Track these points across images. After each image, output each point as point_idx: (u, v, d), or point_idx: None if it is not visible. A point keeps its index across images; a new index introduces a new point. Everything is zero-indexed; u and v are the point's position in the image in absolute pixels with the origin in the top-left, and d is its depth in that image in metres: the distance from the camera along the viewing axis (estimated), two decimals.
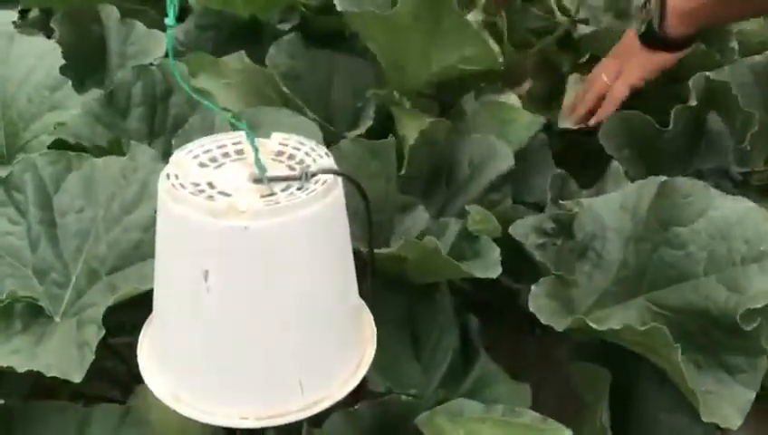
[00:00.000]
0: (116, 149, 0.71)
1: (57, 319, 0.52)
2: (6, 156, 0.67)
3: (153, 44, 0.97)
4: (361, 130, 0.76)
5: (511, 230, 0.62)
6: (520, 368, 0.64)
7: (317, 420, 0.50)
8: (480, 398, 0.55)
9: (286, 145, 0.41)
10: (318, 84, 0.89)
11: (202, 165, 0.39)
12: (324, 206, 0.37)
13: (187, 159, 0.40)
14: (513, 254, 0.60)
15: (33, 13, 1.13)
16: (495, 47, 0.88)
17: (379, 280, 0.59)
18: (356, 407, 0.51)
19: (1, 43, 0.71)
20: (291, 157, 0.40)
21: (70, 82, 0.66)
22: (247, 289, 0.36)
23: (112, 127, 0.79)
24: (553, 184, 0.73)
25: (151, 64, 0.89)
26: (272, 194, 0.37)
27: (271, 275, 0.36)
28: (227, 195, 0.37)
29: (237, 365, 0.38)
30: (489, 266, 0.54)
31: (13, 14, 1.06)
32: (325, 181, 0.38)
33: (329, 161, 0.40)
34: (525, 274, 0.63)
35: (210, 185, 0.37)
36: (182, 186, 0.36)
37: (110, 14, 0.99)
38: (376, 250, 0.50)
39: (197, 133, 0.73)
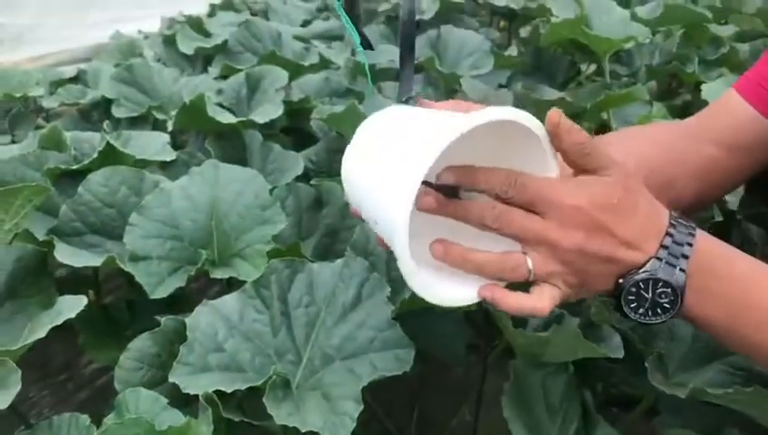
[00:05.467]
0: (296, 249, 0.90)
1: (293, 391, 0.70)
2: (218, 261, 0.87)
3: (288, 163, 1.18)
4: None
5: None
6: None
7: None
8: None
9: None
10: None
11: None
12: None
13: None
14: None
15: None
16: None
17: (524, 360, 0.79)
18: None
19: (210, 170, 0.91)
20: None
21: (278, 203, 0.86)
22: None
23: None
24: None
25: (297, 180, 1.10)
26: None
27: None
28: None
29: None
30: (615, 349, 0.73)
31: (165, 136, 1.28)
32: None
33: None
34: None
35: None
36: None
37: (253, 137, 1.21)
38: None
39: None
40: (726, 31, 1.89)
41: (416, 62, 1.65)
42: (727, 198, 0.98)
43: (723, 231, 0.95)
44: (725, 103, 0.84)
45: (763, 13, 2.02)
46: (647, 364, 0.75)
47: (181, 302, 0.92)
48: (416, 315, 0.81)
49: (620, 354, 0.73)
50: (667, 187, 0.79)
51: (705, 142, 0.82)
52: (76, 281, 1.05)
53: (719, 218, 0.93)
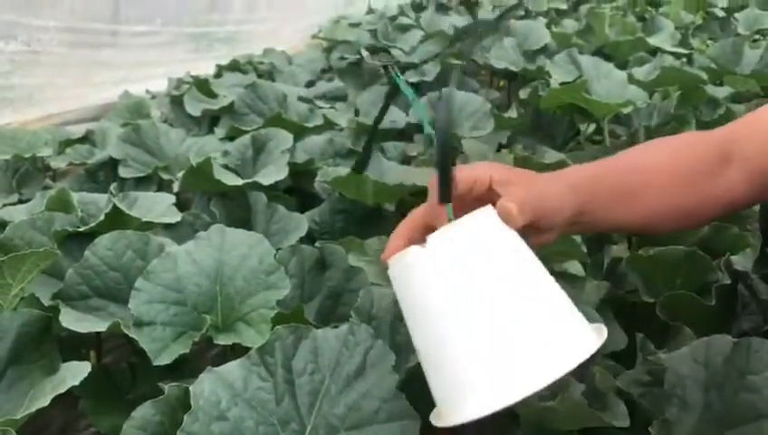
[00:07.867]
0: (299, 314, 0.90)
1: None
2: (222, 326, 0.87)
3: (293, 224, 1.19)
4: None
5: (619, 383, 0.80)
6: None
7: None
8: None
9: None
10: None
11: None
12: None
13: None
14: None
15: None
16: None
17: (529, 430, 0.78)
18: None
19: (216, 234, 0.92)
20: None
21: (283, 269, 0.87)
22: None
23: None
24: (643, 345, 0.92)
25: (301, 241, 1.11)
26: None
27: None
28: None
29: None
30: (621, 417, 0.72)
31: (171, 197, 1.29)
32: None
33: None
34: None
35: None
36: None
37: (258, 198, 1.22)
38: None
39: None
40: (722, 92, 1.93)
41: (417, 122, 1.69)
42: (733, 258, 0.98)
43: (729, 293, 0.95)
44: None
45: (757, 74, 2.07)
46: (650, 430, 0.74)
47: (183, 364, 0.91)
48: (421, 381, 0.80)
49: (626, 423, 0.72)
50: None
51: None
52: (77, 342, 1.05)
53: (726, 281, 0.93)
